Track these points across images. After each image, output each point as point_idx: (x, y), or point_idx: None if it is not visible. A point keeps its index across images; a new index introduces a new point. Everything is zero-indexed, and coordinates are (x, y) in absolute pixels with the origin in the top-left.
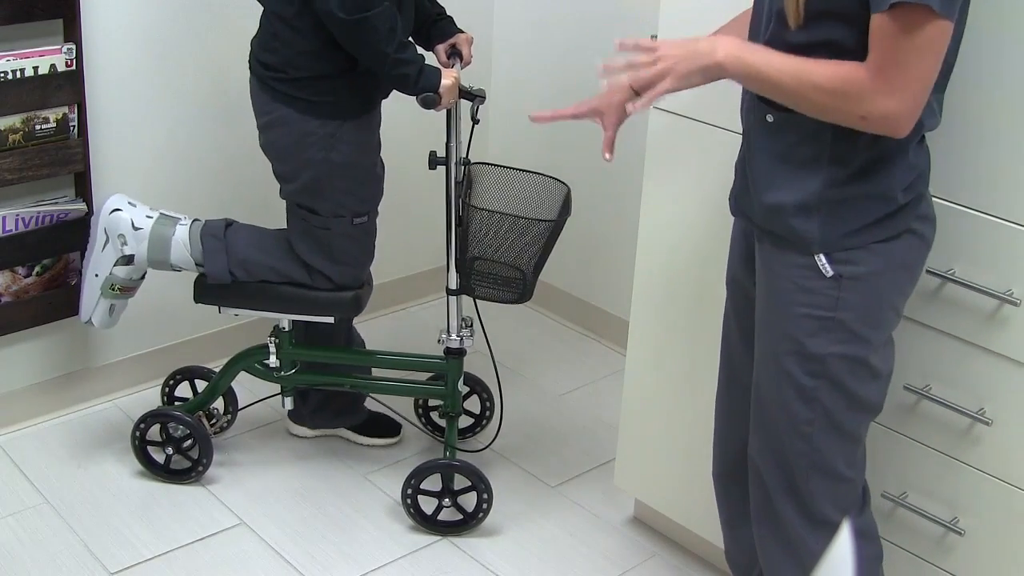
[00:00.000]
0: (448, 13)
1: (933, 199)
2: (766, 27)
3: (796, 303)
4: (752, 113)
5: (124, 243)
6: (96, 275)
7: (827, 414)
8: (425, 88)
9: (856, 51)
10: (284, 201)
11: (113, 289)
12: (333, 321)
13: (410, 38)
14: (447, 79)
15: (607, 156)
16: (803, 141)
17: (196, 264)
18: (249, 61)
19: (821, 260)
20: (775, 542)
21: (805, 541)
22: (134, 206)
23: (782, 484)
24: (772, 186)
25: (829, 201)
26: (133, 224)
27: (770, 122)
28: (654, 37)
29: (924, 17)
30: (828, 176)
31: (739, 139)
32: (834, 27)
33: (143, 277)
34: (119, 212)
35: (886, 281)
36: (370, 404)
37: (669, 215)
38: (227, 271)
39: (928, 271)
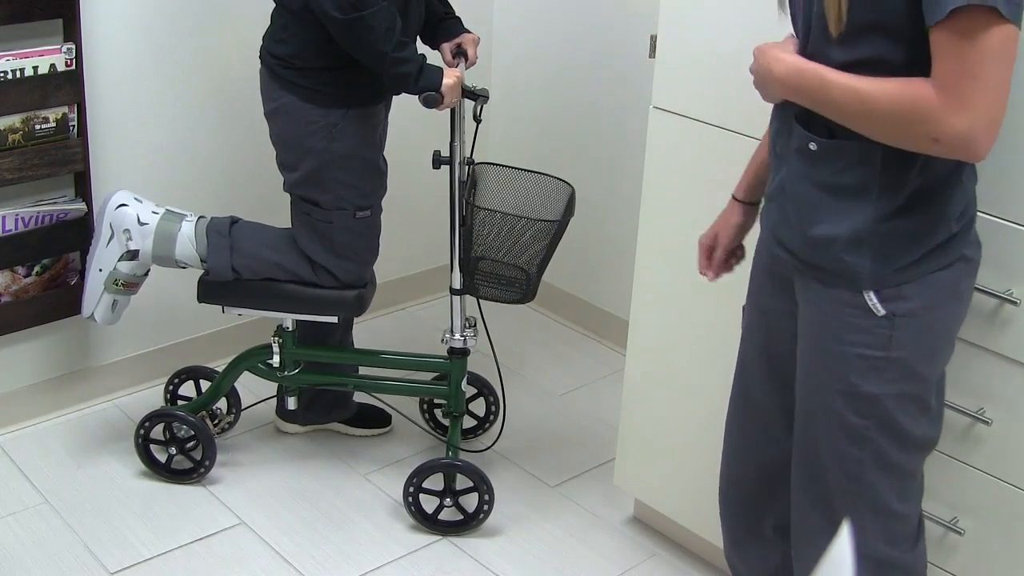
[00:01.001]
0: (456, 13)
1: None
2: (804, 43)
3: (846, 342)
4: (789, 139)
5: (129, 238)
6: (100, 270)
7: (878, 453)
8: (425, 87)
9: (904, 69)
10: (285, 201)
11: (116, 284)
12: (337, 321)
13: (418, 36)
14: (449, 78)
15: (708, 276)
16: (850, 170)
17: (201, 260)
18: (260, 53)
19: (871, 298)
20: None
21: None
22: (140, 202)
23: (830, 520)
24: (818, 219)
25: (880, 233)
26: (139, 219)
27: (813, 150)
28: (654, 37)
29: (988, 22)
30: (879, 207)
31: (739, 138)
32: (880, 43)
33: (147, 274)
34: (125, 207)
35: (940, 313)
36: (360, 396)
37: (669, 215)
38: (229, 267)
39: None
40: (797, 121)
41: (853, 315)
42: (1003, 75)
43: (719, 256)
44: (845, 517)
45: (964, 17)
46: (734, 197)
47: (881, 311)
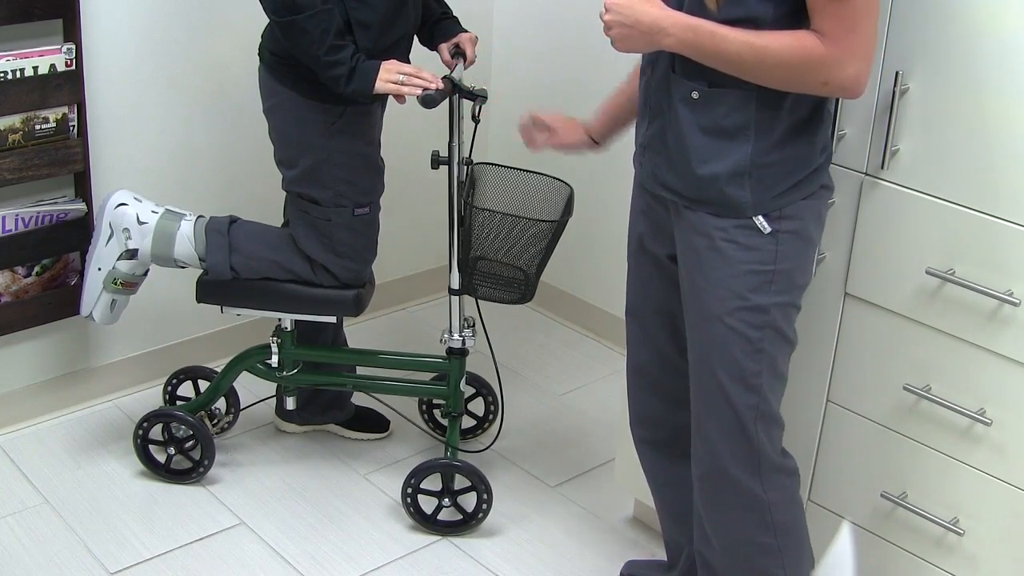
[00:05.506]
0: (454, 13)
1: (933, 198)
2: (679, 5)
3: (739, 261)
4: (670, 92)
5: (128, 237)
6: (99, 269)
7: (771, 362)
8: (357, 89)
9: (770, 25)
10: (284, 201)
11: (115, 284)
12: (335, 321)
13: (413, 36)
14: (385, 71)
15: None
16: (729, 114)
17: (199, 259)
18: (259, 51)
19: (759, 219)
20: (731, 508)
21: (759, 497)
22: (140, 201)
23: (735, 447)
24: (703, 158)
25: (759, 167)
26: (138, 219)
27: (695, 98)
28: None
29: None
30: (756, 144)
31: None
32: (753, 5)
33: (146, 273)
34: (124, 207)
35: (810, 232)
36: (360, 400)
37: None
38: (228, 266)
39: (928, 271)
40: (676, 73)
41: (744, 235)
42: (876, 22)
43: (547, 137)
44: (750, 433)
45: None
46: (590, 135)
47: (768, 229)
